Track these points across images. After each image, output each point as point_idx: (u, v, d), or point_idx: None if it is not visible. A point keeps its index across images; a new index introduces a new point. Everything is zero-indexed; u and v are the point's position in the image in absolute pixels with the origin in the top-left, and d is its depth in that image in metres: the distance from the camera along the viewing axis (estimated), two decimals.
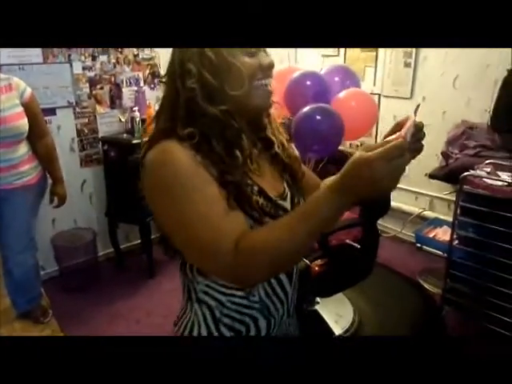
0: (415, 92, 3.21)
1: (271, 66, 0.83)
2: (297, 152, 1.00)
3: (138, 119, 2.92)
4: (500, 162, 2.35)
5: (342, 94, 2.46)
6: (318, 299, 2.53)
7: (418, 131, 0.75)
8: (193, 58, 0.78)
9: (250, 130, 0.88)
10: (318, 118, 2.23)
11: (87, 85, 2.88)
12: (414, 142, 0.74)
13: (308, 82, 2.38)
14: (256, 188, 0.82)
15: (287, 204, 0.89)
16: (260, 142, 0.91)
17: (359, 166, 0.66)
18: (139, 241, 3.17)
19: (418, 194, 3.33)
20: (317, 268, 2.10)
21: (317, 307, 2.49)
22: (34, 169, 2.23)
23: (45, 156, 2.28)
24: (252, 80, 0.80)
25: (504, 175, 2.21)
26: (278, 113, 1.00)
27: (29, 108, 2.10)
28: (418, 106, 0.77)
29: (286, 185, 0.92)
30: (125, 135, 2.97)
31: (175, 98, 0.80)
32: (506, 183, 2.11)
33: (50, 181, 2.39)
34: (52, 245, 2.84)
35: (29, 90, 2.12)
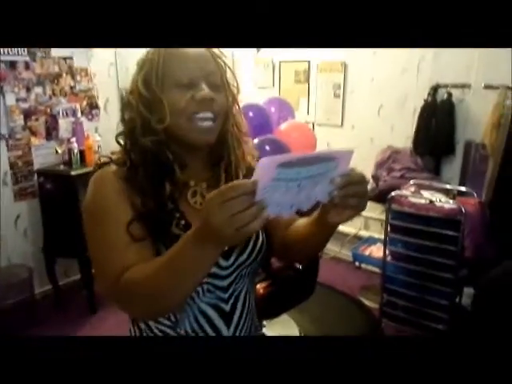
0: (345, 120, 3.45)
1: (206, 99, 0.80)
2: None
3: (75, 150, 2.87)
4: (423, 182, 2.58)
5: (283, 126, 2.62)
6: (263, 322, 2.57)
7: (352, 184, 0.68)
8: (133, 90, 0.83)
9: (201, 161, 0.89)
10: (267, 148, 2.34)
11: (21, 116, 2.80)
12: (345, 197, 0.68)
13: (250, 114, 2.50)
14: (183, 222, 0.81)
15: None
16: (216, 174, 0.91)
17: (204, 208, 0.61)
18: (79, 276, 3.06)
19: None
20: (261, 290, 2.16)
21: (263, 330, 2.53)
22: None
23: None
24: (181, 113, 0.79)
25: (426, 193, 2.43)
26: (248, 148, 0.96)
27: None
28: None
29: None
30: (62, 167, 2.90)
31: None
32: (427, 201, 2.32)
33: None
34: None
35: None
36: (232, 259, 0.87)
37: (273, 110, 2.74)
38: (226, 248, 0.85)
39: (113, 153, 0.87)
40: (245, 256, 0.88)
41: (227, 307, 0.88)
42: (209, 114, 0.81)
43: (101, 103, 3.26)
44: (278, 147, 2.39)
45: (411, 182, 2.59)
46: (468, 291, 2.49)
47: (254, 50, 2.94)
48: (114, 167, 0.82)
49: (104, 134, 3.17)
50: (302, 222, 0.88)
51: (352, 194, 0.68)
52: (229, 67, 0.89)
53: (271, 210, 0.61)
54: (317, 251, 0.92)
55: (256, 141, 2.34)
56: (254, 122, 2.47)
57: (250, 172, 0.93)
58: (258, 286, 2.11)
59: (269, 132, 2.52)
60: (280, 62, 3.73)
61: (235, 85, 0.90)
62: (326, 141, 3.48)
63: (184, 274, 0.68)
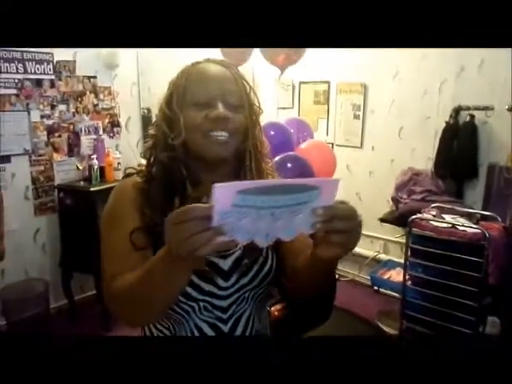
0: (365, 142, 3.42)
1: (219, 118, 0.82)
2: None
3: (96, 167, 2.91)
4: (444, 206, 2.51)
5: (303, 145, 2.61)
6: None
7: (336, 219, 0.63)
8: (159, 109, 0.88)
9: (219, 179, 0.89)
10: (289, 165, 2.33)
11: (45, 133, 2.87)
12: (329, 232, 0.64)
13: (271, 132, 2.50)
14: None
15: (223, 262, 0.87)
16: None
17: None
18: (94, 291, 3.06)
19: (372, 238, 3.45)
20: (276, 313, 2.11)
21: None
22: None
23: None
24: (196, 131, 0.83)
25: (448, 217, 2.36)
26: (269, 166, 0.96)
27: None
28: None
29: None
30: (82, 183, 2.94)
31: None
32: (450, 225, 2.25)
33: None
34: (0, 298, 2.69)
35: None
36: (232, 280, 0.86)
37: (292, 130, 2.74)
38: (227, 269, 0.86)
39: (139, 165, 0.93)
40: (247, 279, 0.87)
41: (226, 328, 0.87)
42: (223, 133, 0.83)
43: (122, 121, 3.32)
44: (300, 165, 2.37)
45: (432, 205, 2.53)
46: (492, 320, 2.39)
47: (277, 71, 2.94)
48: (136, 178, 0.88)
49: (124, 152, 3.22)
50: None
51: (336, 229, 0.63)
52: (252, 88, 0.91)
53: (241, 236, 0.60)
54: (321, 282, 0.86)
55: (277, 158, 2.33)
56: (274, 141, 2.46)
57: None
58: (273, 308, 2.07)
59: (290, 150, 2.51)
60: (300, 83, 3.75)
61: (257, 105, 0.91)
62: (346, 162, 3.46)
63: (157, 288, 0.71)
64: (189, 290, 0.84)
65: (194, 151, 0.85)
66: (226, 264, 0.87)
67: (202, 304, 0.85)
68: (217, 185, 0.57)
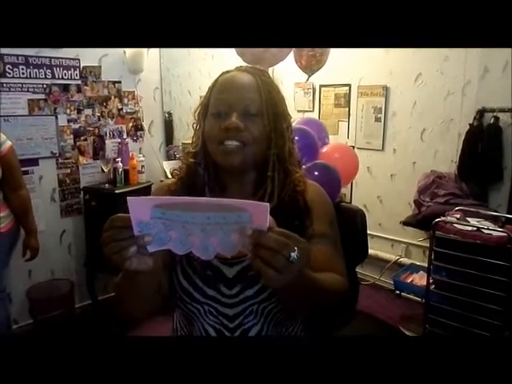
0: (386, 144, 3.40)
1: (231, 128, 0.83)
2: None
3: (120, 170, 2.97)
4: (468, 209, 2.48)
5: (326, 149, 2.60)
6: None
7: (261, 246, 0.60)
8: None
9: (244, 187, 0.92)
10: (316, 173, 2.32)
11: (71, 136, 2.94)
12: (255, 259, 0.61)
13: (296, 137, 2.49)
14: None
15: (228, 269, 0.87)
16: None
17: None
18: None
19: (393, 242, 3.42)
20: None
21: None
22: (5, 218, 2.16)
23: (18, 208, 2.21)
24: (213, 140, 0.87)
25: (473, 221, 2.33)
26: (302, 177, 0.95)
27: (5, 160, 2.07)
28: None
29: None
30: (107, 185, 3.00)
31: None
32: (475, 228, 2.22)
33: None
34: (27, 298, 2.76)
35: (8, 144, 2.09)
36: (236, 289, 0.87)
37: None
38: (231, 277, 0.87)
39: (181, 167, 0.99)
40: (252, 291, 0.87)
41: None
42: (235, 143, 0.85)
43: (145, 125, 3.38)
44: (327, 173, 2.34)
45: (456, 208, 2.50)
46: None
47: (298, 74, 2.95)
48: (171, 180, 0.97)
49: (147, 155, 3.28)
50: None
51: (260, 257, 0.60)
52: (279, 96, 0.92)
53: (175, 247, 0.66)
54: (300, 303, 0.79)
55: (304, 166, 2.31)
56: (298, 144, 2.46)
57: (294, 202, 0.90)
58: None
59: (314, 154, 2.49)
60: (320, 86, 3.75)
61: (283, 113, 0.92)
62: (367, 165, 3.44)
63: (123, 286, 0.79)
64: (192, 291, 0.87)
65: (212, 158, 0.90)
66: (230, 272, 0.88)
67: (206, 307, 0.87)
68: (130, 198, 0.63)
